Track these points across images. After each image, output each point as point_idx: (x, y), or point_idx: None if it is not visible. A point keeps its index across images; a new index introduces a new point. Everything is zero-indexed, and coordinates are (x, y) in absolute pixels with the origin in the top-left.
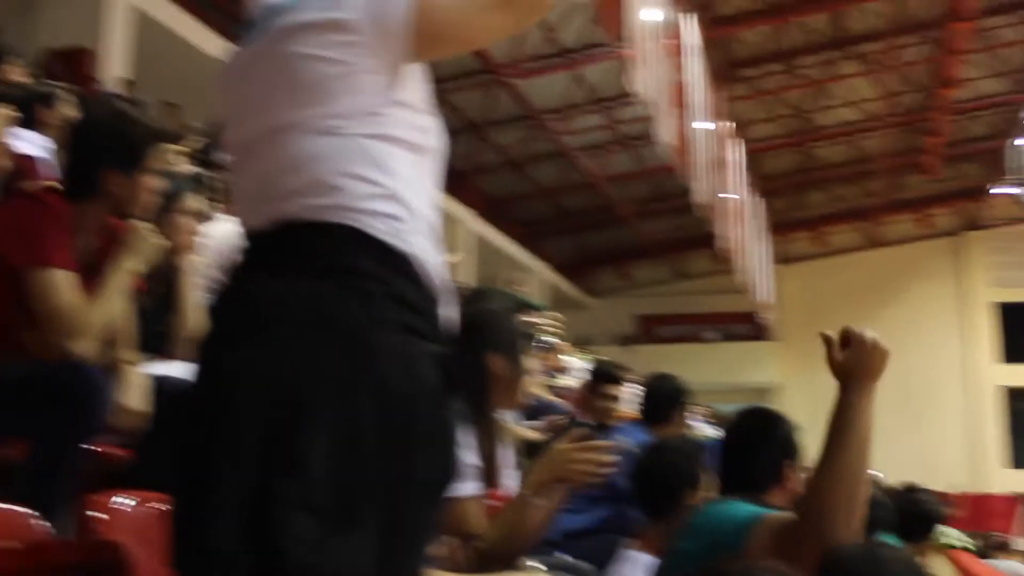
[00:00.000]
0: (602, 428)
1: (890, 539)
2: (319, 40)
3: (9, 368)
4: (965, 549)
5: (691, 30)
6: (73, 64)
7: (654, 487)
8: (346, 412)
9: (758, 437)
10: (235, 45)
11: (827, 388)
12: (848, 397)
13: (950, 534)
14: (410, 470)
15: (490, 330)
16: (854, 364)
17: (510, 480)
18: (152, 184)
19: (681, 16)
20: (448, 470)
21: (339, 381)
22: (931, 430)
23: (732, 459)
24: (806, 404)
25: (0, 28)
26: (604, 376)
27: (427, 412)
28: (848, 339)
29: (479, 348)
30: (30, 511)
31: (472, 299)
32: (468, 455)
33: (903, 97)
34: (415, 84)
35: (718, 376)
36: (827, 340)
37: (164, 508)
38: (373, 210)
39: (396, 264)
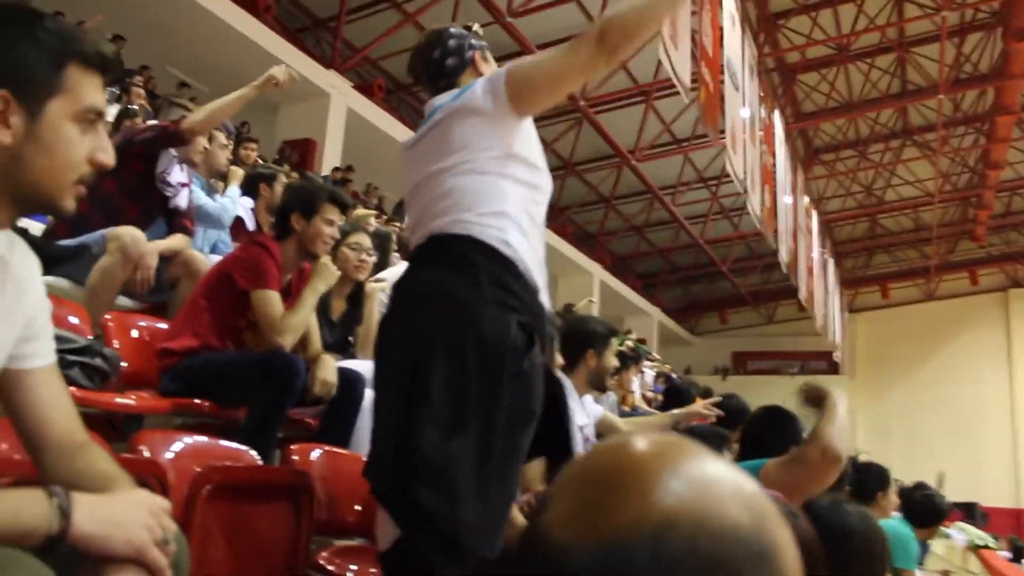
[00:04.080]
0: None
1: (902, 524)
2: (463, 115)
3: (237, 357)
4: (986, 546)
5: (778, 123)
6: (301, 150)
7: None
8: (456, 357)
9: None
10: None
11: (885, 414)
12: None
13: (970, 531)
14: (499, 397)
15: (589, 334)
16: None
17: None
18: (325, 228)
19: (770, 112)
20: (530, 402)
21: (453, 336)
22: (977, 452)
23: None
24: (869, 427)
25: (248, 124)
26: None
27: (513, 359)
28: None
29: (581, 346)
30: (250, 449)
31: (575, 318)
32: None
33: (956, 177)
34: (530, 143)
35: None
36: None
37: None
38: (488, 224)
39: (501, 261)
